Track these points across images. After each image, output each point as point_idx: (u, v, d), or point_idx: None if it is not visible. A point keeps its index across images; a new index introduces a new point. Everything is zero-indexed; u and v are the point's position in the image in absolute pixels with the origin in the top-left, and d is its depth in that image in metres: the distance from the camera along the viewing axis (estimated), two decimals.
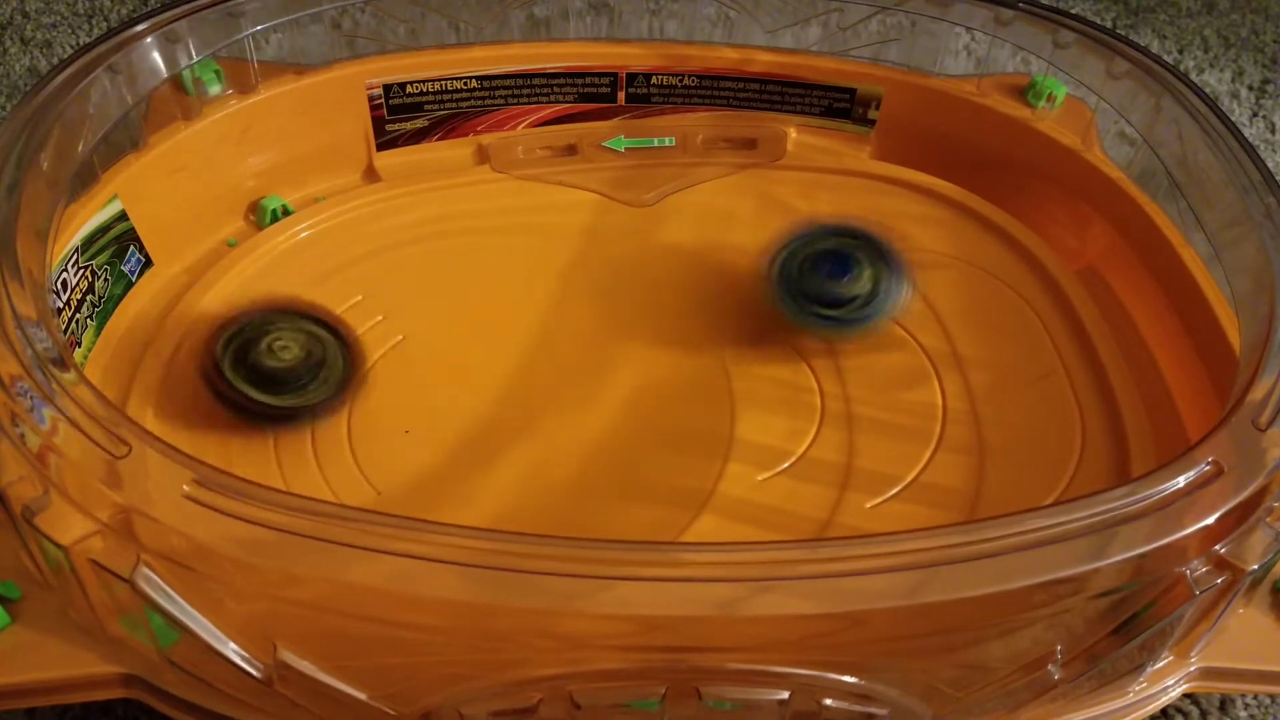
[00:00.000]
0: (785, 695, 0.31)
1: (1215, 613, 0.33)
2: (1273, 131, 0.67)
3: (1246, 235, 0.41)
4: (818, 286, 0.44)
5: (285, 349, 0.40)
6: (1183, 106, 0.47)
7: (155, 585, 0.29)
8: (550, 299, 0.49)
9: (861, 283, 0.44)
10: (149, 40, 0.47)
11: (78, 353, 0.43)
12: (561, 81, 0.57)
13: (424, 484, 0.41)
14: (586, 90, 0.57)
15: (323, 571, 0.28)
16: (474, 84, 0.56)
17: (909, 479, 0.42)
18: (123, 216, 0.47)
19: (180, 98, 0.50)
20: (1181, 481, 0.31)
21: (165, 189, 0.49)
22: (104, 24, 0.70)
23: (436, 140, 0.57)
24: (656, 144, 0.57)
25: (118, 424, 0.31)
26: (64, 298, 0.43)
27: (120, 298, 0.47)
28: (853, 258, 0.45)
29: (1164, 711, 0.38)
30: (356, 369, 0.42)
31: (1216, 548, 0.31)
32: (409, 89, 0.55)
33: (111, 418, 0.31)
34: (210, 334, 0.41)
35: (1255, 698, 0.39)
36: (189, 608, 0.30)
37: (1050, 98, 0.54)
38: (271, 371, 0.40)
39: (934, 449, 0.43)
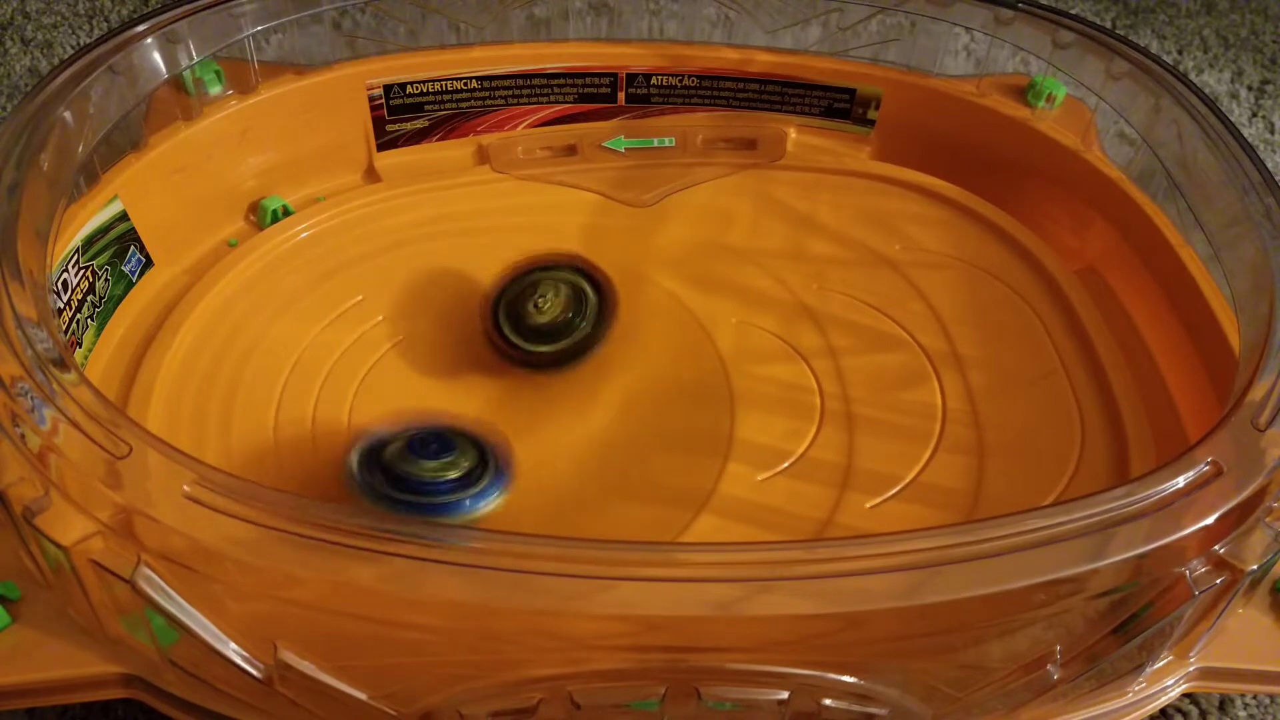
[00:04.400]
0: (785, 695, 0.31)
1: (1214, 613, 0.33)
2: (1272, 131, 0.67)
3: (1246, 235, 0.41)
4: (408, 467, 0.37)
5: (547, 303, 0.45)
6: (1182, 107, 0.47)
7: (155, 585, 0.29)
8: None
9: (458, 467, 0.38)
10: (149, 41, 0.47)
11: (78, 353, 0.43)
12: (561, 82, 0.57)
13: None
14: (586, 90, 0.57)
15: (323, 572, 0.29)
16: (474, 84, 0.56)
17: (909, 479, 0.42)
18: (123, 217, 0.47)
19: (180, 98, 0.50)
20: (1181, 482, 0.31)
21: (166, 189, 0.49)
22: (104, 24, 0.70)
23: (437, 140, 0.57)
24: (656, 144, 0.57)
25: (118, 424, 0.31)
26: (64, 298, 0.43)
27: (121, 298, 0.47)
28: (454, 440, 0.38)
29: (1164, 711, 0.38)
30: (612, 304, 0.45)
31: (1216, 548, 0.31)
32: (409, 89, 0.55)
33: (112, 418, 0.31)
34: (484, 302, 0.46)
35: (1254, 698, 0.39)
36: (189, 608, 0.30)
37: (1050, 98, 0.54)
38: (543, 326, 0.44)
39: (934, 449, 0.43)
